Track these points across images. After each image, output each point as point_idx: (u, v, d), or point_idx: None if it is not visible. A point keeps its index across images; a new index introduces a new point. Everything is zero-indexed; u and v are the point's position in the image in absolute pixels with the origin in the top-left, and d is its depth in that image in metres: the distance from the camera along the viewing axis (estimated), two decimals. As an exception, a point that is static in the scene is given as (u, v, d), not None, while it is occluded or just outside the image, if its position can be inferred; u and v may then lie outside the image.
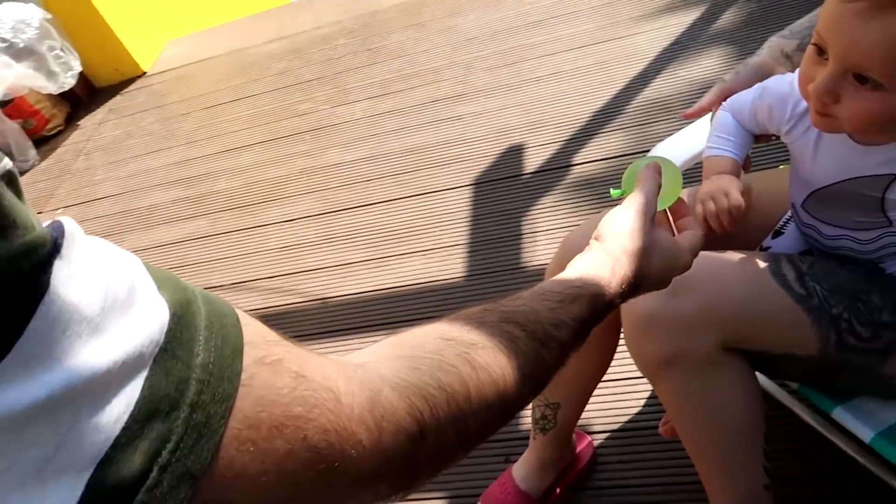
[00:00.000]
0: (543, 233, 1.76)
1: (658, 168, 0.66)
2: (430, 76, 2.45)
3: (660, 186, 0.66)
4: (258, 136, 2.53)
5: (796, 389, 0.99)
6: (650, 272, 0.61)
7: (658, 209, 0.65)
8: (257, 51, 3.09)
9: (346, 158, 2.27)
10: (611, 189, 0.71)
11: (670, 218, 0.71)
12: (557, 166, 1.92)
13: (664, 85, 2.01)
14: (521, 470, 1.19)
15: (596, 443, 1.29)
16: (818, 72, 0.70)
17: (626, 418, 1.35)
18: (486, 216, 1.87)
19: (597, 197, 1.78)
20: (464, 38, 2.56)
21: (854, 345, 0.84)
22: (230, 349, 0.32)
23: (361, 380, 0.39)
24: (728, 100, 0.93)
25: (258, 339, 0.34)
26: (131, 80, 3.32)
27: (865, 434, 0.91)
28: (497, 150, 2.05)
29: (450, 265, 1.79)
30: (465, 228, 1.87)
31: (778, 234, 0.99)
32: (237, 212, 2.22)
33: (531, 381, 0.49)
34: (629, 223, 0.61)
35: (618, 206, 0.64)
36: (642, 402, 1.36)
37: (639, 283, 0.60)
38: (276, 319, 1.80)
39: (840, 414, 0.93)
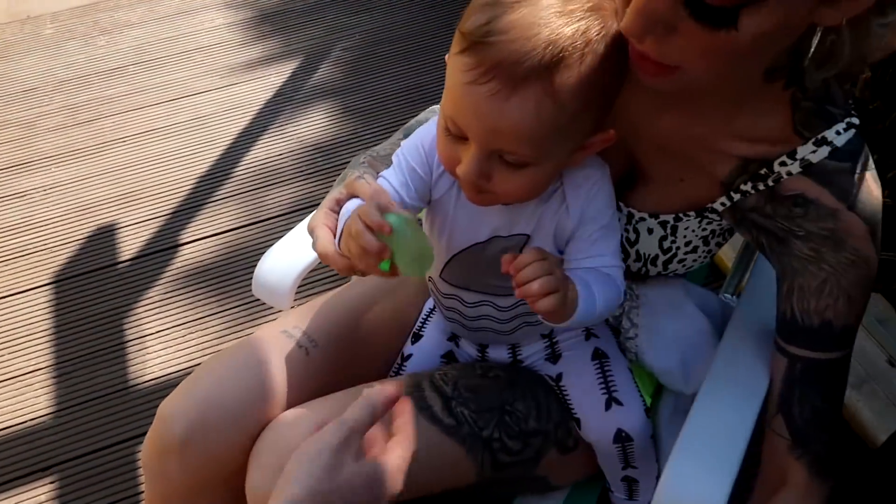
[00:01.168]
0: (153, 336, 1.45)
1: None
2: (-27, 140, 1.89)
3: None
4: None
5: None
6: None
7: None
8: None
9: None
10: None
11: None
12: (161, 248, 1.61)
13: (273, 142, 1.84)
14: None
15: None
16: (461, 152, 0.61)
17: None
18: (73, 324, 1.47)
19: (214, 281, 1.53)
20: (20, 88, 2.04)
21: (508, 461, 0.79)
22: None
23: None
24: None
25: None
26: None
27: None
28: (80, 235, 1.64)
29: (29, 398, 1.36)
30: (47, 345, 1.44)
31: (418, 337, 0.89)
32: None
33: None
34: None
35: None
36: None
37: None
38: None
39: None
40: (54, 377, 1.39)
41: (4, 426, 1.32)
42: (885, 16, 0.53)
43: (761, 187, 0.66)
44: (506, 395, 0.79)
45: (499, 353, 0.83)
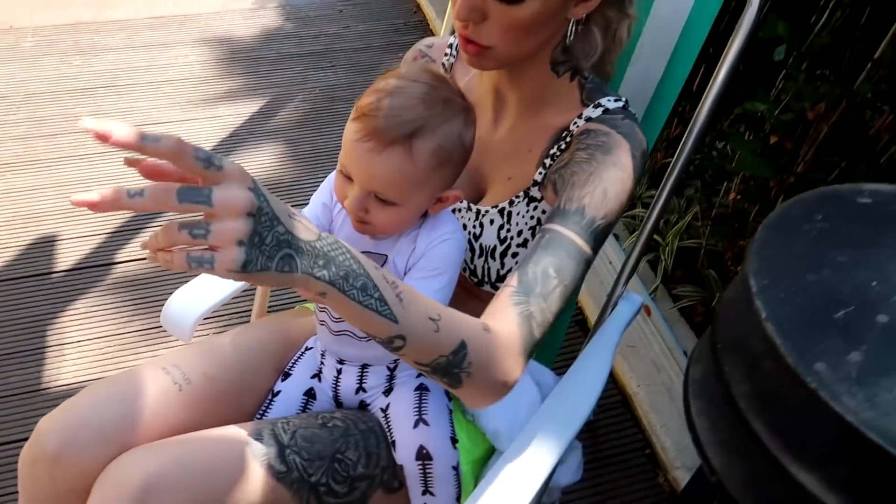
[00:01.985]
0: (72, 345, 1.55)
1: None
2: (-64, 138, 2.00)
3: None
4: None
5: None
6: None
7: None
8: None
9: None
10: None
11: None
12: (96, 264, 1.73)
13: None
14: None
15: None
16: (348, 190, 0.80)
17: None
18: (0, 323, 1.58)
19: (139, 301, 1.65)
20: (-11, 94, 2.16)
21: (334, 502, 0.89)
22: None
23: None
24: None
25: None
26: None
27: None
28: (23, 241, 1.76)
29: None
30: (-31, 341, 1.54)
31: (287, 375, 1.02)
32: None
33: None
34: None
35: None
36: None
37: None
38: None
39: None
40: (-29, 372, 1.48)
41: (-85, 412, 1.41)
42: (618, 12, 0.83)
43: (563, 146, 0.87)
44: (339, 445, 0.91)
45: (349, 378, 0.96)
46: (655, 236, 1.79)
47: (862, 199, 0.63)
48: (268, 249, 0.54)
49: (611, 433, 1.49)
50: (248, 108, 2.22)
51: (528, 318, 0.73)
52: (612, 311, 1.05)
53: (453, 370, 0.67)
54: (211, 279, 1.05)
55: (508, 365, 0.71)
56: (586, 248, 0.78)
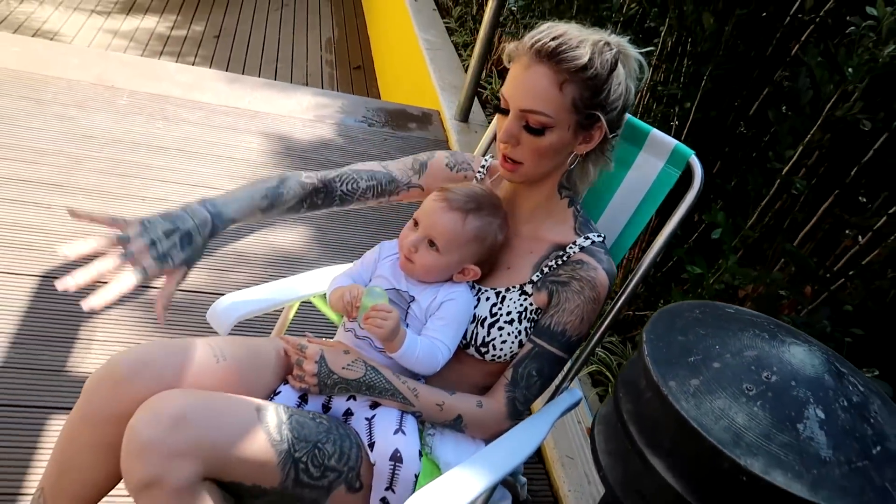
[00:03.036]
0: (100, 344, 1.80)
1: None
2: (31, 155, 2.36)
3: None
4: None
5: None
6: None
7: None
8: None
9: None
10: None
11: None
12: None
13: (250, 243, 2.31)
14: None
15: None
16: (411, 235, 1.19)
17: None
18: (43, 311, 1.83)
19: (165, 325, 1.91)
20: (82, 132, 2.55)
21: (307, 482, 1.11)
22: None
23: None
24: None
25: None
26: None
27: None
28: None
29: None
30: (14, 318, 1.79)
31: (276, 393, 1.26)
32: None
33: None
34: None
35: None
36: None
37: None
38: None
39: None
40: (10, 344, 1.72)
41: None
42: (605, 152, 1.21)
43: (560, 262, 1.21)
44: (321, 436, 1.14)
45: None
46: (606, 372, 2.09)
47: (728, 310, 0.96)
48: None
49: (537, 525, 1.70)
50: (290, 194, 2.60)
51: (512, 401, 1.20)
52: (556, 397, 1.33)
53: (455, 426, 1.21)
54: (251, 293, 1.34)
55: (494, 427, 1.20)
56: (563, 355, 1.21)
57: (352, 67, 5.52)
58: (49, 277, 1.93)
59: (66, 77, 2.81)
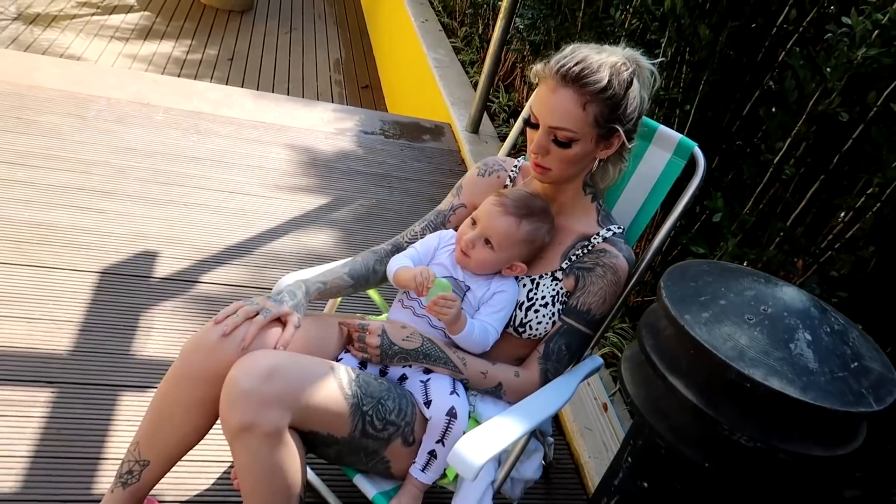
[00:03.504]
0: (158, 331, 1.98)
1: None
2: (80, 166, 2.55)
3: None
4: None
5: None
6: None
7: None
8: None
9: (-40, 210, 2.17)
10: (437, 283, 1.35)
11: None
12: (184, 280, 2.19)
13: (285, 242, 2.50)
14: None
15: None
16: (469, 232, 1.38)
17: (196, 492, 1.59)
18: (106, 303, 2.01)
19: (211, 313, 2.09)
20: (124, 145, 2.75)
21: (371, 432, 1.29)
22: None
23: None
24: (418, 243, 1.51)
25: None
26: None
27: (370, 491, 1.36)
28: (133, 251, 2.23)
29: (55, 338, 1.85)
30: (82, 308, 1.97)
31: (347, 350, 1.45)
32: None
33: None
34: None
35: None
36: (212, 481, 1.62)
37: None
38: None
39: (358, 480, 1.37)
40: (78, 331, 1.89)
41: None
42: (623, 153, 1.39)
43: (585, 251, 1.40)
44: (384, 394, 1.33)
45: None
46: (618, 353, 2.27)
47: (730, 266, 1.15)
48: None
49: (563, 490, 1.86)
50: (318, 200, 2.79)
51: (544, 371, 1.40)
52: (580, 362, 1.51)
53: (495, 393, 1.41)
54: (309, 272, 1.53)
55: (528, 394, 1.38)
56: (589, 332, 1.42)
57: (360, 86, 5.76)
58: (108, 273, 2.11)
59: (105, 96, 3.01)
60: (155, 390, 1.69)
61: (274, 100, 3.46)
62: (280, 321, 1.32)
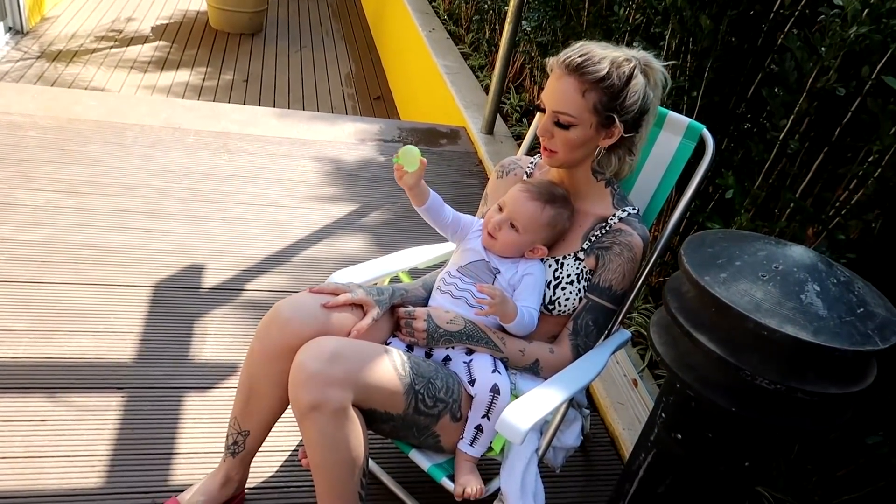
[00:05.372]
0: (212, 336, 2.12)
1: None
2: (124, 189, 2.71)
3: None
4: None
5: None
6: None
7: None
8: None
9: (19, 237, 2.33)
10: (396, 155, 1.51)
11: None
12: (231, 288, 2.33)
13: (320, 249, 2.64)
14: (203, 488, 1.52)
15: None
16: (496, 216, 1.50)
17: (266, 476, 1.72)
18: (162, 314, 2.16)
19: (258, 317, 2.23)
20: (161, 168, 2.90)
21: (423, 409, 1.41)
22: None
23: None
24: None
25: None
26: None
27: (425, 465, 1.48)
28: (180, 265, 2.38)
29: (120, 348, 2.00)
30: (140, 320, 2.12)
31: (394, 335, 1.57)
32: None
33: None
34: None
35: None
36: (289, 452, 1.75)
37: None
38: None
39: (413, 454, 1.50)
40: (140, 340, 2.04)
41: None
42: (630, 147, 1.48)
43: (603, 231, 1.51)
44: (433, 374, 1.45)
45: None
46: (644, 332, 2.38)
47: (743, 232, 1.26)
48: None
49: (601, 460, 1.98)
50: (346, 207, 2.93)
51: (575, 347, 1.52)
52: (610, 336, 1.62)
53: (533, 369, 1.51)
54: (359, 268, 1.66)
55: (563, 368, 1.48)
56: (612, 307, 1.53)
57: (372, 98, 5.91)
58: (160, 286, 2.26)
59: (139, 123, 3.18)
60: (215, 389, 1.85)
61: (297, 117, 3.61)
62: (361, 308, 1.48)
